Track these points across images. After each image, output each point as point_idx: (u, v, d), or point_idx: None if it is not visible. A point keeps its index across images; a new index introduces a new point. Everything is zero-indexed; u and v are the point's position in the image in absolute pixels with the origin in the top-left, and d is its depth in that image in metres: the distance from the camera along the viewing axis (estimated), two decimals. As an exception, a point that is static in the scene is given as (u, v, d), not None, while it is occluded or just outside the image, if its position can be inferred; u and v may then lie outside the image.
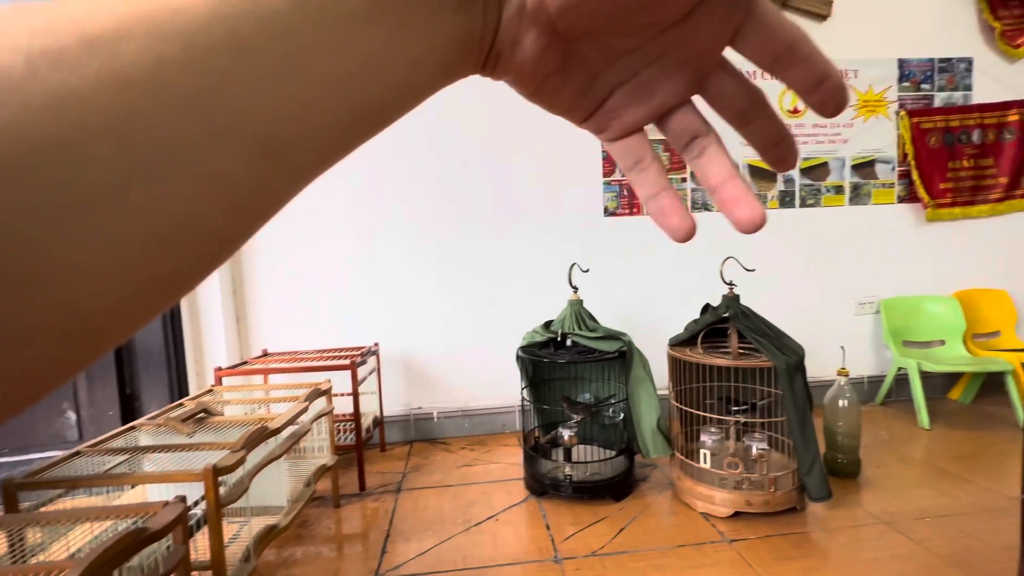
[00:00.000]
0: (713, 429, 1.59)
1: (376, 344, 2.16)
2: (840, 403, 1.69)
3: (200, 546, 1.02)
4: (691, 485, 1.56)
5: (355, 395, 1.74)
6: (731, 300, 1.59)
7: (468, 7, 0.16)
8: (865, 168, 2.43)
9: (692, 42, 0.20)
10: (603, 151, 2.25)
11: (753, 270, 1.67)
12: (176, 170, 0.12)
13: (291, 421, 1.25)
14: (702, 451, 1.56)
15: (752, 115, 0.22)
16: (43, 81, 0.11)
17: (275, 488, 1.26)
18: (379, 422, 2.10)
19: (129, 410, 1.89)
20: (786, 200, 2.41)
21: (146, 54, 0.12)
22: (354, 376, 1.73)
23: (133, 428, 1.21)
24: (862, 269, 2.45)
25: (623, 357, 1.68)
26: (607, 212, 2.31)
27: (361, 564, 1.36)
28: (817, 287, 2.43)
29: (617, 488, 1.64)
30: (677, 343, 1.69)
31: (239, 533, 1.30)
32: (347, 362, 1.73)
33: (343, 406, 1.90)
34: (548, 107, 0.22)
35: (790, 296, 2.40)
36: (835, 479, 1.64)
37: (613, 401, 1.76)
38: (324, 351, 2.03)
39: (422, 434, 2.26)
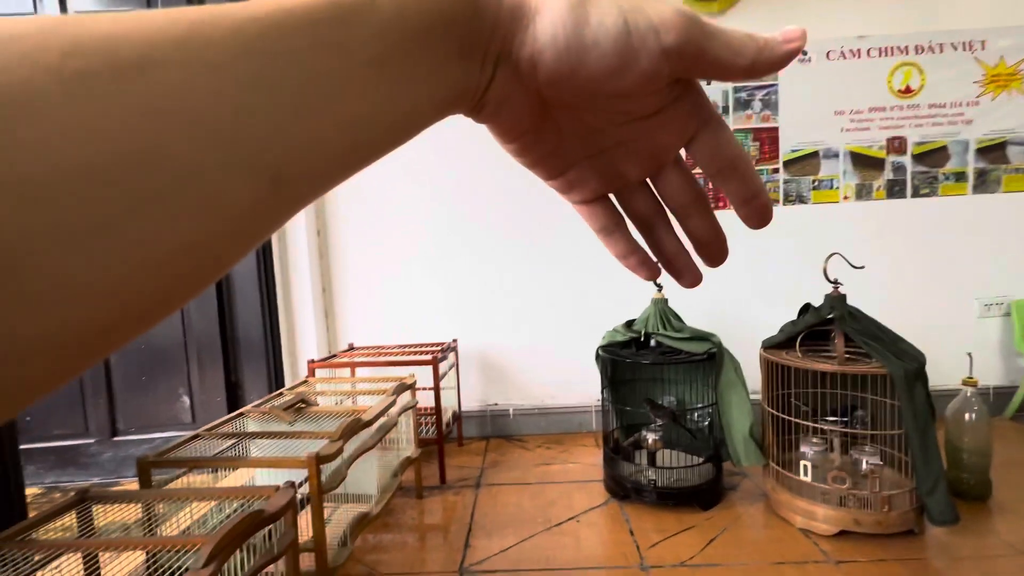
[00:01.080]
0: (815, 439, 1.47)
1: (455, 340, 2.19)
2: (966, 416, 1.51)
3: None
4: (788, 498, 1.45)
5: (436, 390, 1.78)
6: (836, 300, 1.46)
7: (470, 62, 0.18)
8: (994, 152, 2.15)
9: (655, 136, 0.22)
10: (687, 143, 2.15)
11: (862, 267, 1.52)
12: (190, 196, 0.12)
13: (382, 413, 1.29)
14: (802, 463, 1.45)
15: (691, 212, 0.24)
16: (76, 107, 0.11)
17: (366, 477, 1.31)
18: (457, 417, 2.14)
19: (233, 396, 2.05)
20: (895, 190, 2.18)
21: (176, 84, 0.12)
22: (435, 371, 1.77)
23: (242, 415, 1.30)
24: (988, 267, 2.17)
25: (712, 359, 1.59)
26: (690, 206, 2.20)
27: (445, 556, 1.38)
28: (933, 287, 2.18)
29: (704, 496, 1.56)
30: (772, 345, 1.58)
31: (330, 518, 1.36)
32: (429, 358, 1.77)
33: (423, 400, 1.95)
34: (518, 158, 0.24)
35: (901, 296, 2.17)
36: (960, 501, 1.46)
37: (700, 406, 1.68)
38: (406, 346, 2.09)
39: (498, 430, 2.28)
